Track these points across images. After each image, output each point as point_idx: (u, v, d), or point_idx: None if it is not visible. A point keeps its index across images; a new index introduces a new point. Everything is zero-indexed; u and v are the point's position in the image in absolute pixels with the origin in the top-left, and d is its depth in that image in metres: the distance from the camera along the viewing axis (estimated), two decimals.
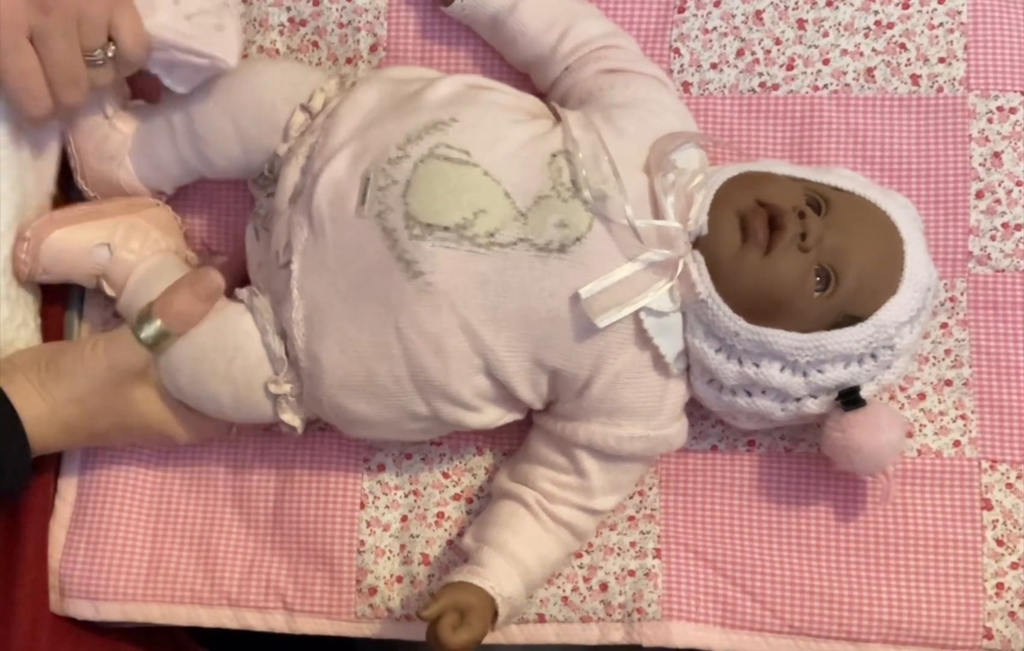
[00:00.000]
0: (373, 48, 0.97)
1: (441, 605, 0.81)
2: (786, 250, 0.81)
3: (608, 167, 0.82)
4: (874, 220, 0.85)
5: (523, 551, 0.86)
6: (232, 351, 0.86)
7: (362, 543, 0.94)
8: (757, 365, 0.84)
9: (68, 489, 0.96)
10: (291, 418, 0.88)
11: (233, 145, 0.90)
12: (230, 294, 0.89)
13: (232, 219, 0.98)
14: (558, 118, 0.87)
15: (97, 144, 0.92)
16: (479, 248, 0.81)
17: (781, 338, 0.83)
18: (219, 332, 0.86)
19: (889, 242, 0.85)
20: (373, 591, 0.93)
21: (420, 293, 0.81)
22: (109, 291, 0.91)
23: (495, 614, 0.83)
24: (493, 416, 0.87)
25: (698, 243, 0.83)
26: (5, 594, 0.91)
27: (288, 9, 0.97)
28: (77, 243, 0.90)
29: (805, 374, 0.84)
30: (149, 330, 0.85)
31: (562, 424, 0.87)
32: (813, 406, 0.86)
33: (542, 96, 0.93)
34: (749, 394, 0.86)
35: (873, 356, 0.85)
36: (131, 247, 0.90)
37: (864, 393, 0.86)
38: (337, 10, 0.97)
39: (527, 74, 0.95)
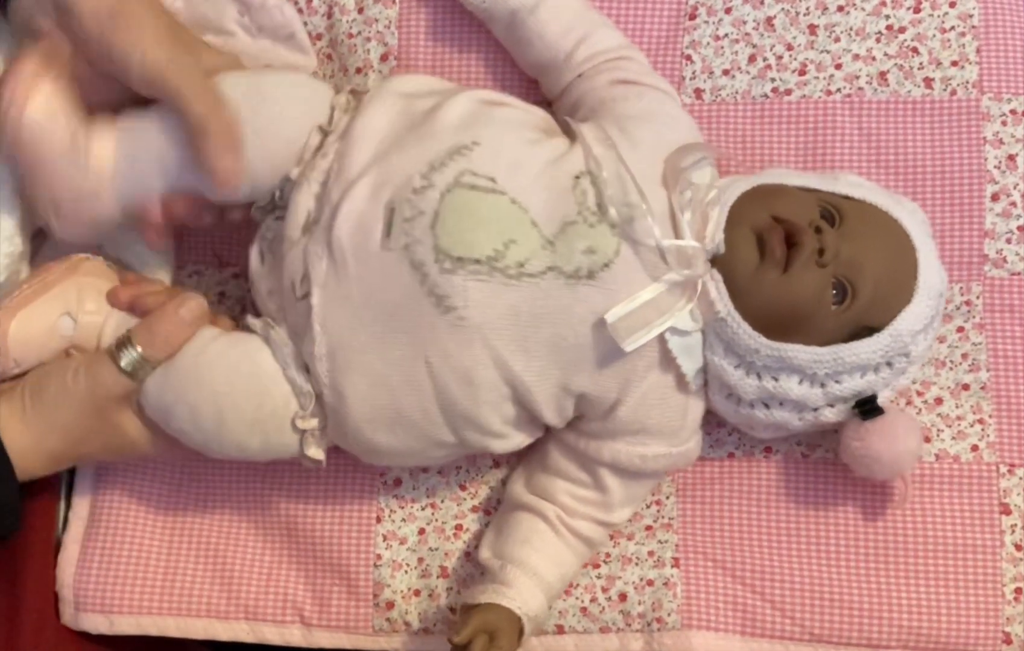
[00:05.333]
0: (384, 57, 0.96)
1: (472, 629, 0.80)
2: (804, 267, 0.81)
3: (631, 186, 0.81)
4: (887, 230, 0.85)
5: (546, 568, 0.86)
6: (259, 396, 0.82)
7: (379, 557, 0.93)
8: (776, 379, 0.84)
9: (81, 505, 0.96)
10: (315, 452, 0.85)
11: None
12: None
13: (239, 233, 0.96)
14: (569, 133, 0.85)
15: (72, 182, 0.83)
16: (510, 279, 0.79)
17: (800, 353, 0.82)
18: (238, 371, 0.82)
19: (902, 251, 0.84)
20: (391, 605, 0.93)
21: (452, 327, 0.79)
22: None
23: (520, 632, 0.83)
24: (517, 441, 0.86)
25: (715, 261, 0.83)
26: (11, 605, 0.91)
27: (304, 23, 0.96)
28: (39, 322, 0.85)
29: (823, 385, 0.84)
30: (129, 358, 0.82)
31: (586, 442, 0.86)
32: (830, 415, 0.86)
33: (549, 104, 0.93)
34: (767, 406, 0.86)
35: (889, 364, 0.85)
36: (89, 308, 0.86)
37: (880, 399, 0.86)
38: (347, 22, 0.96)
39: (535, 80, 0.94)
